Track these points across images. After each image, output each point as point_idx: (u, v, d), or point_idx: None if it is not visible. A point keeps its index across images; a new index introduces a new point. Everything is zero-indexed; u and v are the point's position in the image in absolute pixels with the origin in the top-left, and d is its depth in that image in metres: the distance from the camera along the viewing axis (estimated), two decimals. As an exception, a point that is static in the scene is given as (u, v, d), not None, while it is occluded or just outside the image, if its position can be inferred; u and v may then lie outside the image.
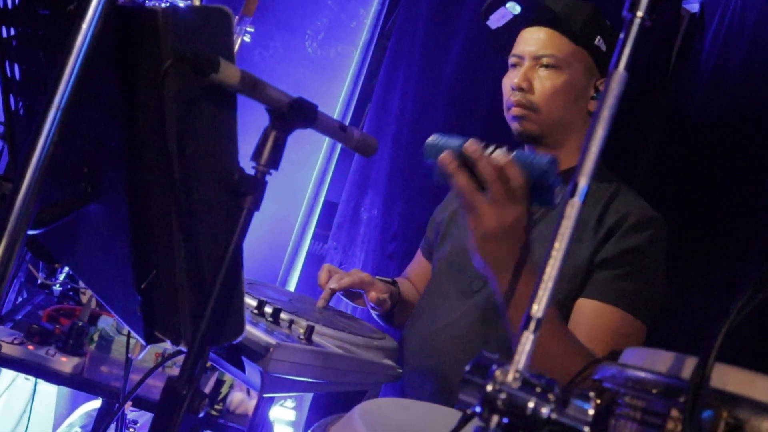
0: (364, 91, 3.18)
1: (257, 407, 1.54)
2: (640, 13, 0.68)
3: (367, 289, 1.74)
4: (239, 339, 1.01)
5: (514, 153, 1.25)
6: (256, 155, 0.97)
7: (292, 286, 3.13)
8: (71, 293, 2.26)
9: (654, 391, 0.84)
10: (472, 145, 1.26)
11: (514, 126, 1.74)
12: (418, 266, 2.07)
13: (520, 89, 1.70)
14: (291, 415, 2.84)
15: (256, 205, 0.96)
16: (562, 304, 1.58)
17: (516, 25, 1.76)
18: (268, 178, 0.98)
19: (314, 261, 3.15)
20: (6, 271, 0.85)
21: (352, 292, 1.79)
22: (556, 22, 1.71)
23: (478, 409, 0.68)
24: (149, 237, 0.98)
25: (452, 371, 1.68)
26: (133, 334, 1.07)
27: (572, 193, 0.68)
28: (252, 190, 0.95)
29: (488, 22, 1.80)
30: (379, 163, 2.91)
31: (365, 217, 2.95)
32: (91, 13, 0.84)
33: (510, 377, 0.68)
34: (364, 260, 2.91)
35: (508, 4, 1.73)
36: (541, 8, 1.70)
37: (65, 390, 2.86)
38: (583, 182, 0.67)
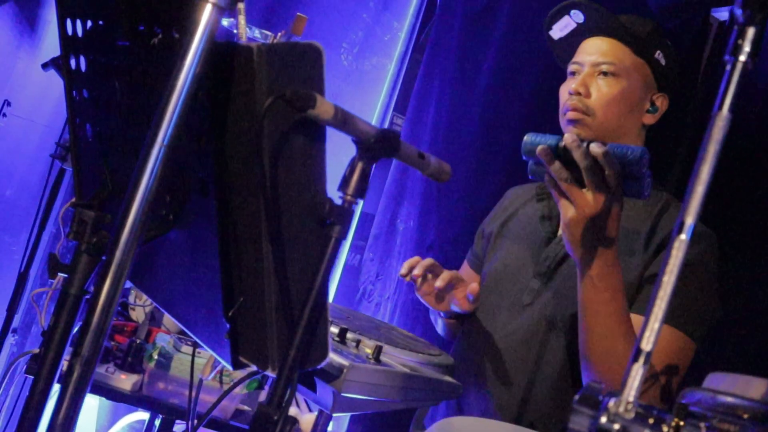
0: (399, 102, 3.20)
1: (317, 424, 1.56)
2: (742, 58, 0.70)
3: (459, 286, 1.75)
4: (324, 363, 1.04)
5: (608, 145, 1.33)
6: (344, 185, 0.99)
7: (329, 298, 3.15)
8: (119, 308, 2.29)
9: (745, 416, 0.86)
10: (570, 137, 1.35)
11: (569, 130, 1.74)
12: (466, 278, 2.08)
13: (578, 93, 1.72)
14: (329, 426, 2.87)
15: (344, 234, 0.98)
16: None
17: (577, 36, 1.79)
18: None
19: (351, 272, 3.18)
20: (112, 304, 0.88)
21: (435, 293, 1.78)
22: (618, 32, 1.73)
23: (592, 440, 0.70)
24: (238, 265, 1.00)
25: (505, 388, 1.69)
26: (218, 358, 1.09)
27: (680, 231, 0.70)
28: (340, 219, 0.97)
29: (551, 32, 1.82)
30: (414, 174, 2.94)
31: (401, 228, 2.97)
32: (192, 52, 0.87)
33: (622, 408, 0.69)
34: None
35: (572, 12, 1.75)
36: (605, 17, 1.72)
37: (106, 402, 2.90)
38: (689, 220, 0.69)
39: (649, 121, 1.78)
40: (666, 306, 0.70)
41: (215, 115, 0.96)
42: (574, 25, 1.77)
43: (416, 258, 1.74)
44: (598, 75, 1.73)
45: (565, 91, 1.77)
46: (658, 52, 1.75)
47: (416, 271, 1.69)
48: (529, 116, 2.62)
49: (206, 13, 0.87)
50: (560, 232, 1.74)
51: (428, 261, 1.72)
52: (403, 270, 1.72)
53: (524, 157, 1.48)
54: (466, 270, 2.09)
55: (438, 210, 2.87)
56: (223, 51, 0.93)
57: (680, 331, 1.56)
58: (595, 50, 1.75)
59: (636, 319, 1.59)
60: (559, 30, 1.79)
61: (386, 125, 3.19)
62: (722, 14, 2.68)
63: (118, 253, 0.86)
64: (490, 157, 2.72)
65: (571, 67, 1.79)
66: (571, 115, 1.73)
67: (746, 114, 2.32)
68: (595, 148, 1.32)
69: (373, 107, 3.17)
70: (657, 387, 1.52)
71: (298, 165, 0.95)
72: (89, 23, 1.25)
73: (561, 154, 1.37)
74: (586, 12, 1.74)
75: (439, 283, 1.68)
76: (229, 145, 0.96)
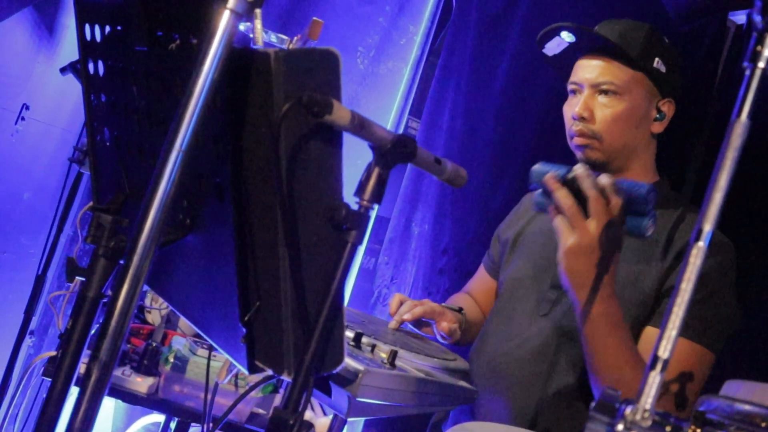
0: (415, 106, 3.21)
1: (331, 428, 1.56)
2: (761, 64, 0.70)
3: (438, 319, 1.76)
4: (339, 368, 1.04)
5: (616, 180, 1.36)
6: (360, 191, 0.99)
7: (344, 302, 3.16)
8: (135, 311, 2.29)
9: (763, 424, 0.86)
10: (582, 169, 1.38)
11: (578, 155, 1.74)
12: (481, 283, 2.07)
13: (582, 118, 1.70)
14: (343, 430, 2.87)
15: (360, 240, 0.98)
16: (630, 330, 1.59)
17: (572, 52, 1.77)
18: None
19: (366, 276, 3.18)
20: (130, 308, 0.88)
21: (421, 321, 1.80)
22: (611, 51, 1.70)
23: (608, 448, 0.69)
24: (254, 270, 1.01)
25: (521, 394, 1.69)
26: (234, 362, 1.09)
27: (698, 238, 0.69)
28: (356, 225, 0.97)
29: (544, 50, 1.80)
30: (430, 177, 2.93)
31: (416, 232, 2.97)
32: (210, 58, 0.87)
33: (639, 416, 0.69)
34: (414, 275, 2.93)
35: (562, 33, 1.73)
36: (596, 37, 1.70)
37: (122, 404, 2.91)
38: (707, 227, 0.69)
39: (657, 129, 1.76)
40: (683, 313, 0.69)
41: (232, 121, 0.97)
42: (567, 44, 1.75)
43: (398, 299, 1.82)
44: (598, 94, 1.71)
45: (568, 111, 1.76)
46: (657, 59, 1.72)
47: (406, 316, 1.74)
48: (544, 120, 2.62)
49: (224, 19, 0.88)
50: None
51: (398, 298, 1.80)
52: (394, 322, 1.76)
53: (532, 186, 1.48)
54: (481, 274, 2.09)
55: (453, 214, 2.87)
56: (240, 57, 0.94)
57: (698, 344, 1.55)
58: (591, 69, 1.72)
59: (654, 333, 1.58)
60: (552, 49, 1.78)
61: (401, 129, 3.19)
62: (740, 17, 2.66)
63: (136, 258, 0.87)
64: (505, 161, 2.72)
65: (570, 87, 1.78)
66: (578, 141, 1.72)
67: (765, 120, 2.29)
68: (603, 180, 1.35)
69: (389, 111, 3.17)
70: (675, 401, 1.51)
71: (314, 170, 0.96)
72: (108, 28, 1.26)
73: (568, 184, 1.39)
74: (575, 33, 1.72)
75: (407, 316, 1.73)
76: (246, 151, 0.97)
